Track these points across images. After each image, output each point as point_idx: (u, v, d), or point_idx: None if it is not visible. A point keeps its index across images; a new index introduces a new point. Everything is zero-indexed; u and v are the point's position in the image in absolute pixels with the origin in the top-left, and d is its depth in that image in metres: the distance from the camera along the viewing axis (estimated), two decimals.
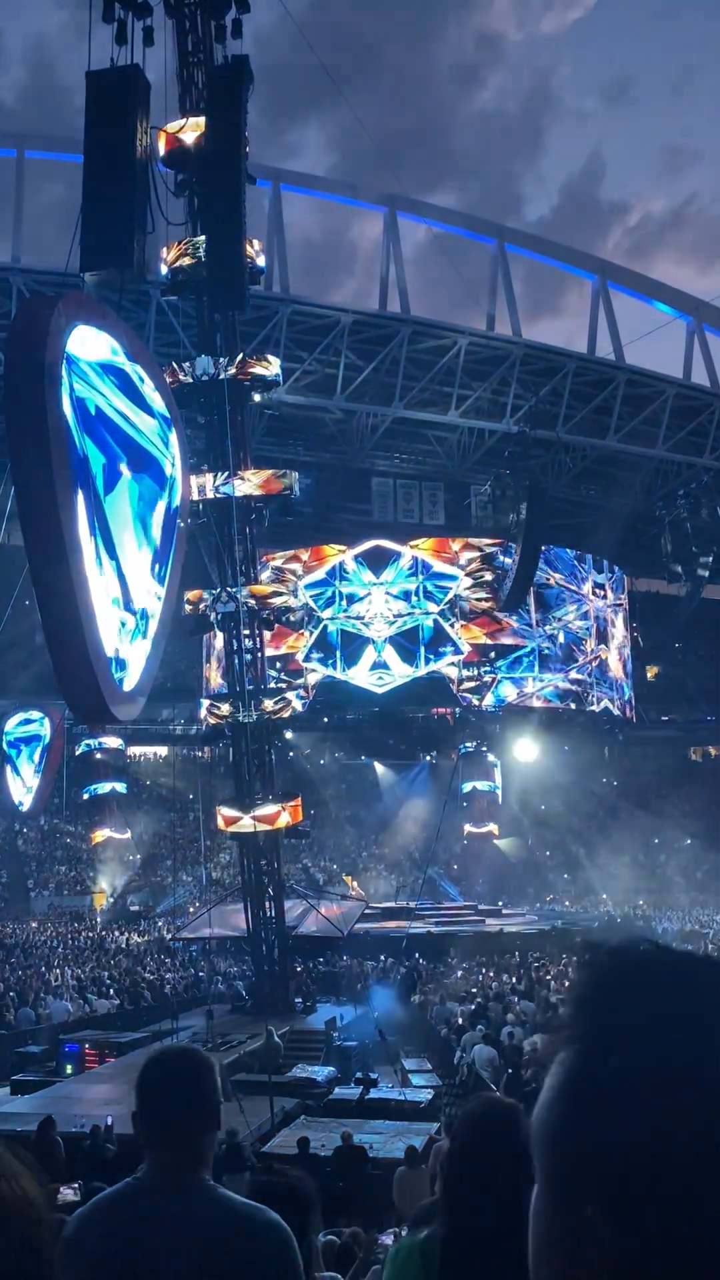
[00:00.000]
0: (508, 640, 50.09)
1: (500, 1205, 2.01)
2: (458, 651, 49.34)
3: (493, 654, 49.83)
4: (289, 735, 45.25)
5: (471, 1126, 2.34)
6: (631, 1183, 0.71)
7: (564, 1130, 0.76)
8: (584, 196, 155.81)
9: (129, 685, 15.41)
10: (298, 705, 31.03)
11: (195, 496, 21.76)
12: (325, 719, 51.00)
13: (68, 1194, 6.33)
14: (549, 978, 26.69)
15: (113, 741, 44.83)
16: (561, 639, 51.77)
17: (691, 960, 0.79)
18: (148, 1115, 2.23)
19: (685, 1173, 0.70)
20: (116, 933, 38.78)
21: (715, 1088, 0.71)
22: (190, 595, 23.48)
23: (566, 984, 22.45)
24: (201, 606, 23.87)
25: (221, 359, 23.14)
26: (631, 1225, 0.70)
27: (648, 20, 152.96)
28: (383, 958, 30.90)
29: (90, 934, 37.85)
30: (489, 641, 49.78)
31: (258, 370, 23.76)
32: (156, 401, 17.11)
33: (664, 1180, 0.70)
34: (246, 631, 24.28)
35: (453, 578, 49.62)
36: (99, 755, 44.81)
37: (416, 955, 31.51)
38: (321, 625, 49.63)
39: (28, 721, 42.82)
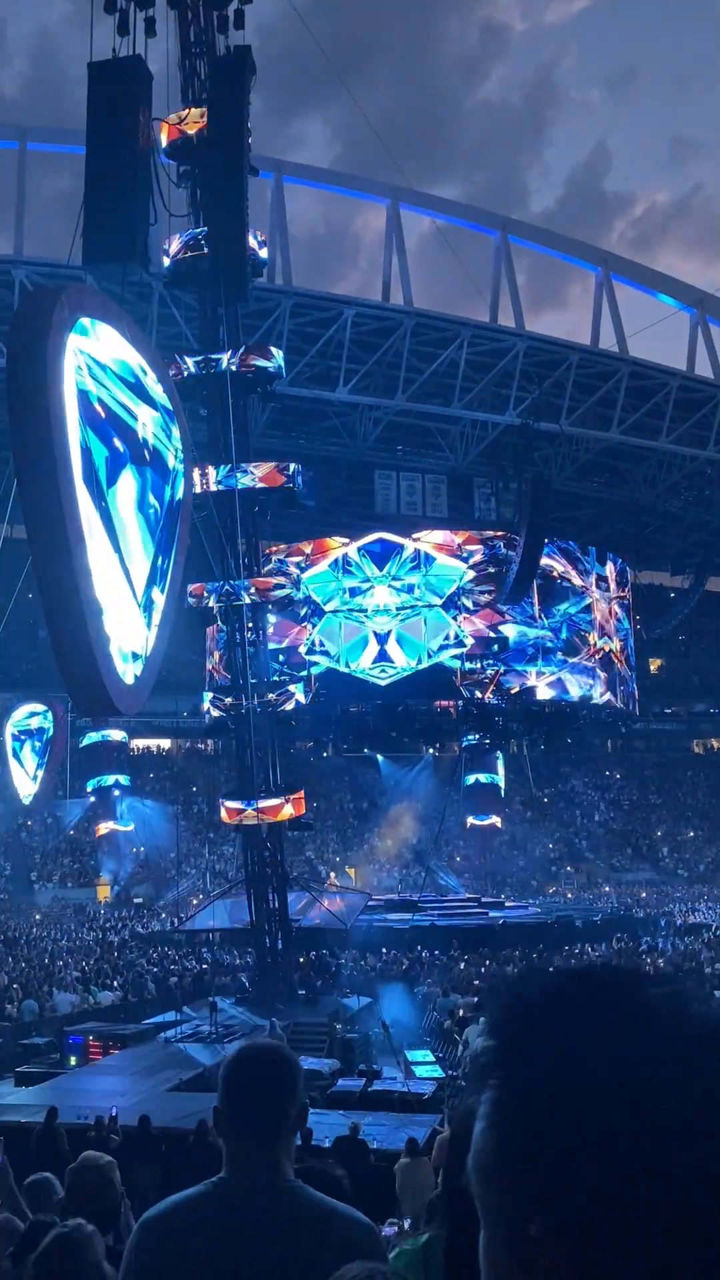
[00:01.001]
0: (511, 633, 50.07)
1: None
2: (460, 644, 49.33)
3: (496, 647, 49.81)
4: (292, 726, 45.24)
5: (471, 1119, 2.34)
6: (570, 1196, 0.71)
7: (496, 1158, 0.77)
8: (589, 188, 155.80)
9: (132, 678, 15.41)
10: (301, 698, 31.02)
11: (198, 489, 21.74)
12: (328, 712, 50.99)
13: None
14: (551, 970, 26.72)
15: (116, 734, 44.88)
16: (564, 632, 51.75)
17: (587, 972, 0.81)
18: (234, 1114, 2.15)
19: (619, 1177, 0.70)
20: (120, 925, 38.85)
21: (633, 1091, 0.72)
22: (193, 588, 23.48)
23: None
24: (205, 599, 23.87)
25: (223, 351, 23.11)
26: (578, 1237, 0.71)
27: (653, 10, 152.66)
28: (385, 950, 30.94)
29: (93, 929, 37.92)
30: (492, 634, 49.76)
31: (260, 362, 23.72)
32: (159, 394, 17.08)
33: (600, 1189, 0.70)
34: (249, 624, 24.28)
35: (456, 570, 49.60)
36: (102, 748, 44.88)
37: (419, 948, 31.55)
38: (324, 618, 49.63)
39: (31, 714, 42.89)
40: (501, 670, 49.85)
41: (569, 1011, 0.78)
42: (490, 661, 49.62)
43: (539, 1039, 0.77)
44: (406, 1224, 8.29)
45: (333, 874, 47.02)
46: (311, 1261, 1.99)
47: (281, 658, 45.11)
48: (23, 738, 42.83)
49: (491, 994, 0.78)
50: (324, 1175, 3.25)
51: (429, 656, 49.08)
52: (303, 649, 49.36)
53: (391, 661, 48.91)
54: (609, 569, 55.33)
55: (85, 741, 44.79)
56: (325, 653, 49.57)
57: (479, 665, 49.42)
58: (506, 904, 43.26)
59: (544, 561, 47.77)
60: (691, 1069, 0.73)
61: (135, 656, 15.63)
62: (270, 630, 26.72)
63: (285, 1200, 2.08)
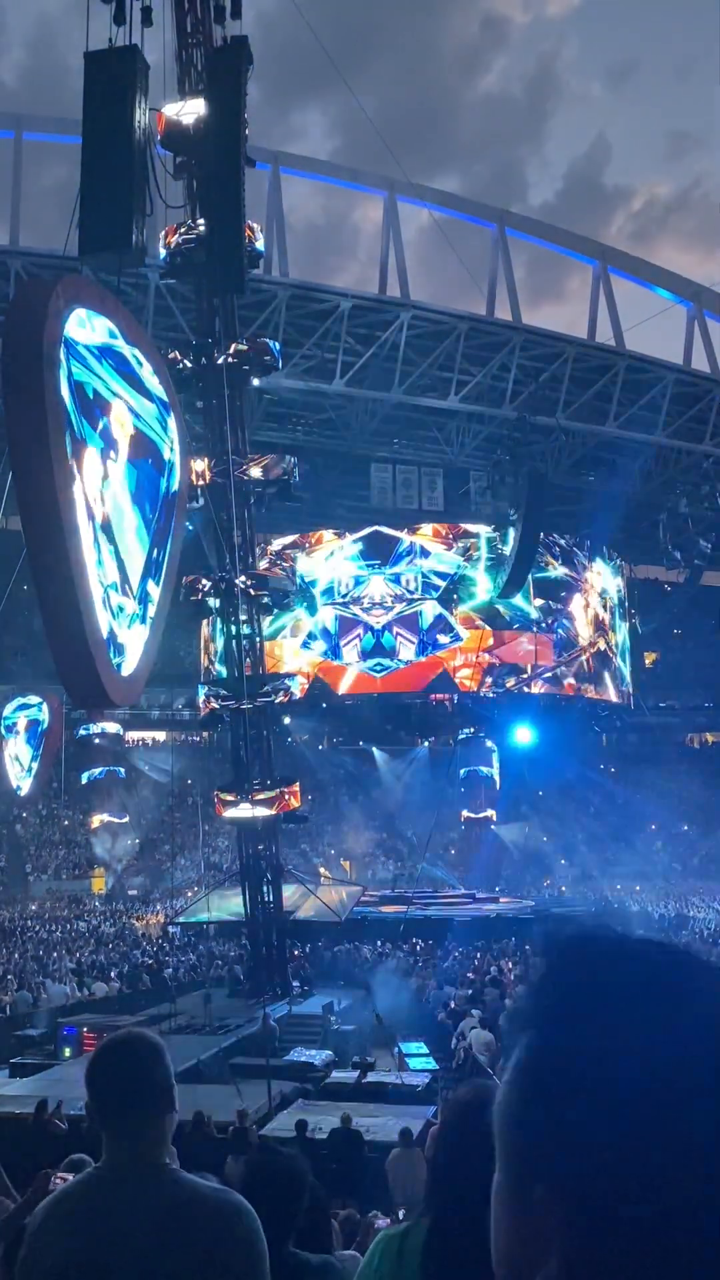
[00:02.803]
0: (506, 627, 50.09)
1: (485, 1190, 2.06)
2: (456, 638, 49.34)
3: (491, 640, 49.83)
4: (287, 720, 45.23)
5: (458, 1112, 2.35)
6: (578, 1164, 0.72)
7: (516, 1111, 0.77)
8: (588, 181, 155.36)
9: (127, 670, 15.40)
10: (296, 691, 31.01)
11: (194, 481, 21.71)
12: (323, 704, 51.01)
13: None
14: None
15: (111, 726, 44.85)
16: (559, 626, 51.77)
17: (643, 945, 0.81)
18: (101, 1104, 2.21)
19: (631, 1155, 0.70)
20: (115, 916, 38.89)
21: (662, 1072, 0.72)
22: (189, 580, 23.46)
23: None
24: (200, 592, 23.84)
25: (220, 343, 23.05)
26: (578, 1206, 0.71)
27: (654, 3, 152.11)
28: (380, 942, 31.01)
29: (87, 921, 37.95)
30: (487, 628, 49.77)
31: (256, 354, 23.66)
32: (155, 385, 17.05)
33: (610, 1162, 0.70)
34: (245, 617, 24.26)
35: (452, 564, 49.60)
36: (97, 740, 44.85)
37: (414, 940, 31.62)
38: (320, 611, 49.62)
39: (26, 706, 42.80)
40: (497, 663, 49.86)
41: (612, 983, 0.77)
42: (485, 655, 49.63)
43: (578, 1005, 0.77)
44: (402, 1215, 8.31)
45: (321, 866, 47.03)
46: (178, 1247, 2.03)
47: (277, 651, 45.12)
48: (17, 729, 42.76)
49: (542, 945, 0.76)
50: (271, 1165, 3.29)
51: (425, 650, 49.08)
52: (298, 642, 49.36)
53: (387, 654, 48.91)
54: (605, 563, 55.34)
55: (80, 733, 44.75)
56: (321, 646, 49.56)
57: (474, 659, 49.43)
58: (501, 899, 43.34)
59: (540, 555, 47.73)
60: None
61: (130, 649, 15.61)
62: (265, 623, 26.68)
63: (149, 1187, 2.11)
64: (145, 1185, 2.11)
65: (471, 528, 50.67)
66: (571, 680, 52.51)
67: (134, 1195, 2.10)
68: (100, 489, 14.72)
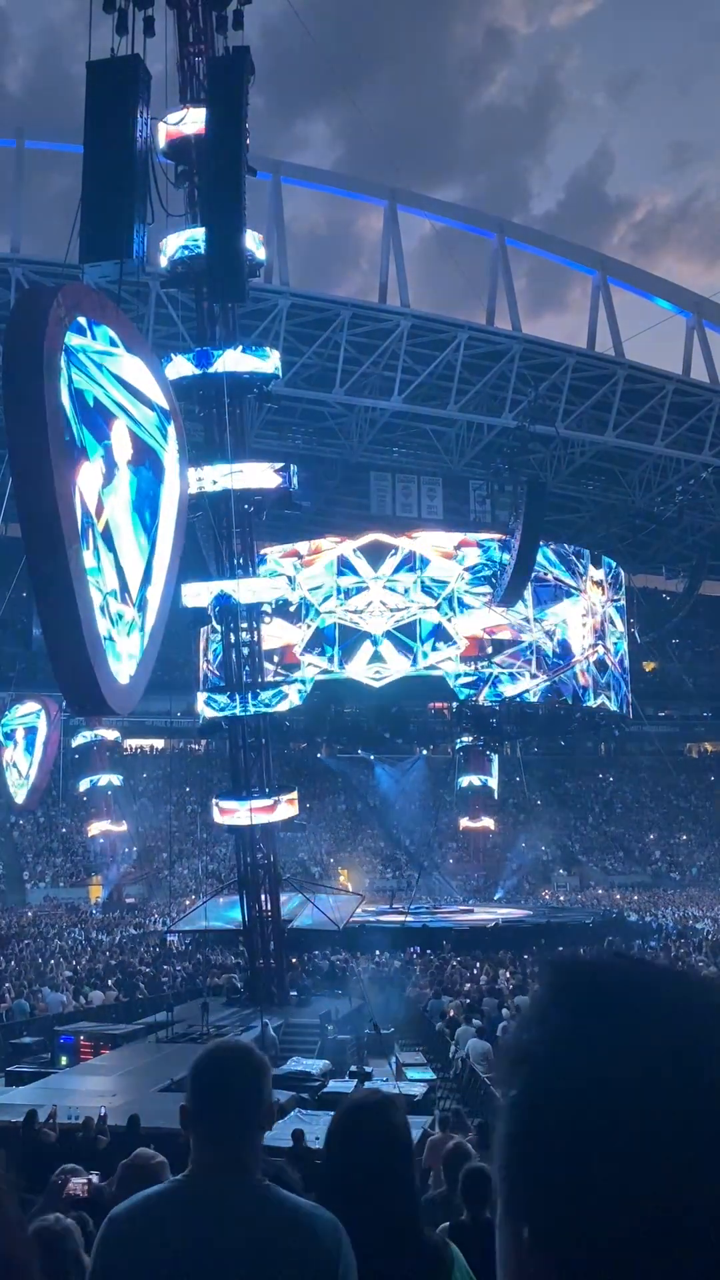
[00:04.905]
0: (505, 635, 50.07)
1: (373, 1197, 2.09)
2: (455, 646, 49.32)
3: (490, 649, 49.81)
4: (285, 727, 45.22)
5: (351, 1116, 2.39)
6: (559, 1211, 0.70)
7: (507, 1151, 0.76)
8: (591, 191, 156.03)
9: (126, 677, 15.39)
10: (295, 699, 30.98)
11: (193, 489, 21.72)
12: (322, 712, 50.98)
13: (76, 1186, 6.39)
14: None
15: (109, 734, 44.81)
16: (558, 634, 51.76)
17: (650, 982, 0.77)
18: (203, 1112, 2.16)
19: (617, 1210, 0.68)
20: (112, 924, 38.80)
21: (659, 1126, 0.69)
22: (188, 588, 23.46)
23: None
24: (199, 599, 23.84)
25: (220, 351, 23.09)
26: (555, 1254, 0.70)
27: (658, 14, 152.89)
28: (378, 952, 30.94)
29: (84, 926, 37.88)
30: (486, 636, 49.76)
31: (256, 363, 23.71)
32: (155, 393, 17.08)
33: (593, 1214, 0.68)
34: (244, 624, 24.26)
35: (450, 572, 49.59)
36: (95, 748, 44.81)
37: (411, 949, 31.57)
38: (319, 619, 49.61)
39: (24, 714, 42.80)
40: (495, 672, 49.86)
41: (614, 1024, 0.74)
42: (484, 663, 49.62)
43: (572, 1048, 0.74)
44: None
45: (342, 870, 46.99)
46: (278, 1260, 2.01)
47: (276, 658, 45.09)
48: (15, 737, 42.75)
49: (546, 978, 0.73)
50: (271, 1175, 3.28)
51: (423, 658, 49.08)
52: (297, 650, 49.34)
53: (386, 663, 48.90)
54: (603, 572, 55.37)
55: (78, 741, 44.72)
56: (319, 653, 49.55)
57: (473, 667, 49.42)
58: (499, 911, 43.26)
59: (539, 564, 47.74)
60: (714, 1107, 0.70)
61: (129, 656, 15.61)
62: (264, 630, 26.67)
63: (252, 1199, 2.09)
64: (243, 1196, 2.08)
65: (471, 536, 50.69)
66: (570, 689, 52.35)
67: (230, 1206, 2.06)
68: (100, 496, 14.74)
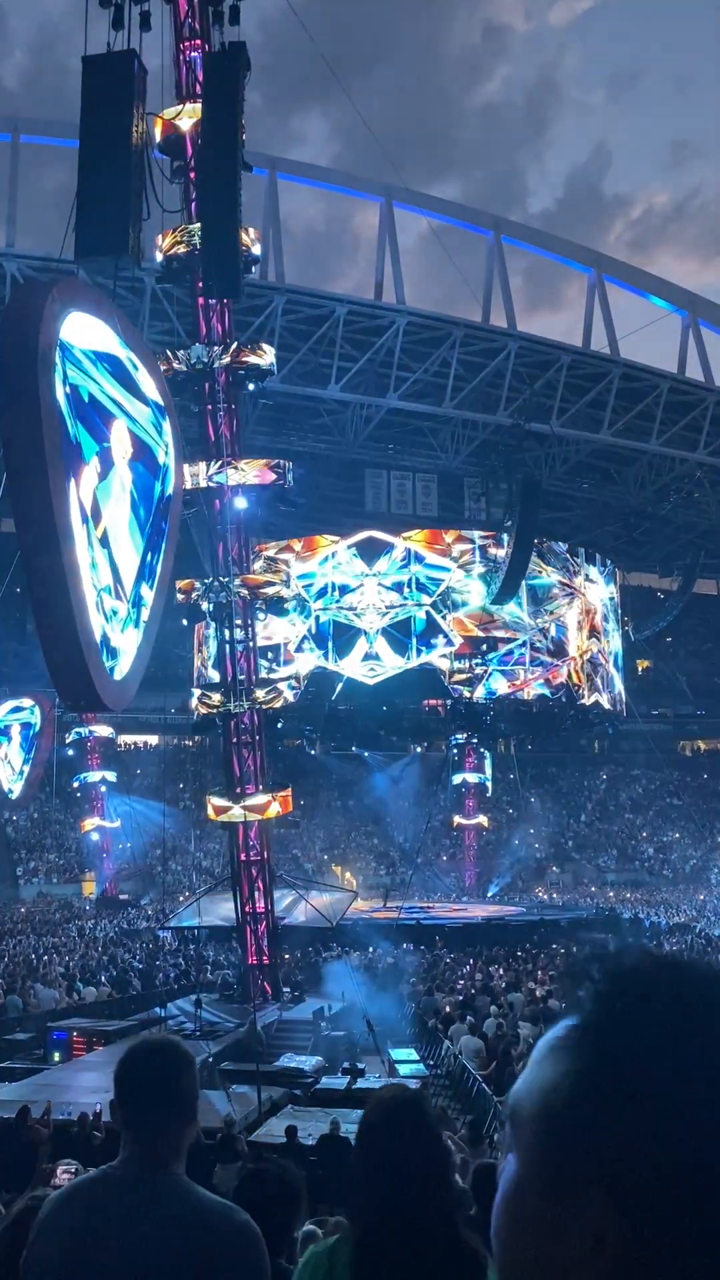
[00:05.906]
0: (499, 633, 50.10)
1: (413, 1197, 2.09)
2: (449, 643, 49.34)
3: (484, 646, 49.84)
4: (279, 725, 45.21)
5: (384, 1114, 2.35)
6: (651, 1177, 0.71)
7: (574, 1114, 0.75)
8: (588, 189, 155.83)
9: (120, 673, 15.38)
10: (289, 695, 30.98)
11: (188, 485, 21.69)
12: (316, 709, 50.97)
13: (63, 1176, 6.38)
14: (536, 970, 26.80)
15: (103, 730, 44.77)
16: (553, 632, 51.81)
17: (700, 968, 0.80)
18: (126, 1106, 2.23)
19: (706, 1172, 0.70)
20: (105, 921, 38.77)
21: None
22: (182, 584, 23.44)
23: (556, 975, 22.52)
24: (194, 596, 23.82)
25: (215, 347, 23.06)
26: (646, 1218, 0.70)
27: (657, 12, 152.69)
28: (370, 948, 30.96)
29: (78, 921, 37.84)
30: (481, 634, 49.79)
31: (252, 359, 23.65)
32: (150, 389, 17.04)
33: (686, 1180, 0.70)
34: (238, 621, 24.24)
35: (445, 570, 49.60)
36: (89, 744, 44.77)
37: (405, 946, 31.59)
38: (313, 616, 49.60)
39: (18, 709, 42.72)
40: (489, 670, 49.90)
41: (684, 1002, 0.76)
42: (478, 661, 49.65)
43: (641, 1016, 0.76)
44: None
45: (335, 866, 47.03)
46: (179, 1256, 2.04)
47: (270, 655, 45.08)
48: (9, 733, 42.67)
49: (606, 965, 0.74)
50: (267, 1175, 3.29)
51: (417, 655, 49.09)
52: (291, 646, 49.33)
53: (380, 660, 48.90)
54: (598, 570, 55.43)
55: (72, 737, 44.66)
56: (314, 650, 49.55)
57: (467, 664, 49.45)
58: (492, 904, 43.33)
59: (533, 561, 47.78)
60: None
61: (123, 652, 15.59)
62: (259, 627, 26.65)
63: (159, 1193, 2.13)
64: (156, 1190, 2.13)
65: (465, 533, 50.71)
66: (564, 687, 52.39)
67: (143, 1199, 2.12)
68: (95, 492, 14.71)
